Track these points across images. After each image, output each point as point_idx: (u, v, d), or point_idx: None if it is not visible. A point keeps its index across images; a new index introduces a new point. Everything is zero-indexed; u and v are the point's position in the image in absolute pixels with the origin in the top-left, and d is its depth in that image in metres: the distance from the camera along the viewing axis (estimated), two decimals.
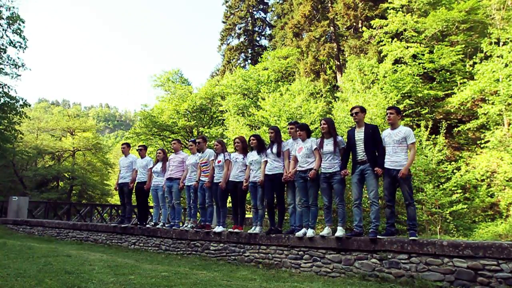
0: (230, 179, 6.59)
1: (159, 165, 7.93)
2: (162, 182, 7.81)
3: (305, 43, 23.40)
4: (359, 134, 5.27)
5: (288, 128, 6.25)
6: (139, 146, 8.61)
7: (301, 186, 5.68)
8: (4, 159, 23.13)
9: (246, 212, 6.88)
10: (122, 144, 8.76)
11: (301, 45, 23.77)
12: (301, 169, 5.68)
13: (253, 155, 6.39)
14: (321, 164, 5.56)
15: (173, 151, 8.03)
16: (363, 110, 5.41)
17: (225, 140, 21.39)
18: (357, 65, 17.27)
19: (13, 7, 19.37)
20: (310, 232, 5.51)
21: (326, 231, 5.50)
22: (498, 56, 13.59)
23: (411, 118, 15.91)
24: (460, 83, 15.48)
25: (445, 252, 4.24)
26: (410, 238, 4.62)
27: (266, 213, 6.58)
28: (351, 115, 5.45)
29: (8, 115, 20.06)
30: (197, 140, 7.40)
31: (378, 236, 4.85)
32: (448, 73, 16.28)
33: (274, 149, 6.05)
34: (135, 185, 8.27)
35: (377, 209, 5.24)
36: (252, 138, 6.44)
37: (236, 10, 34.18)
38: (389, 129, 5.21)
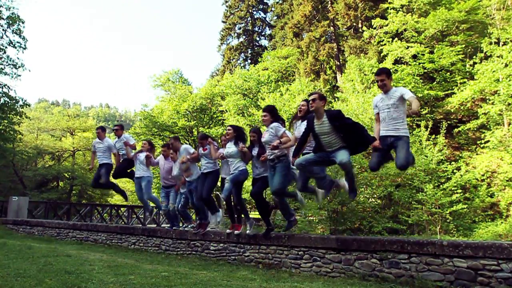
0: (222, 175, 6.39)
1: (143, 155, 7.65)
2: (147, 174, 7.67)
3: (305, 43, 23.40)
4: (322, 127, 4.60)
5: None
6: (115, 126, 8.36)
7: (270, 176, 5.38)
8: (4, 159, 23.14)
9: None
10: (97, 128, 8.51)
11: (301, 45, 23.78)
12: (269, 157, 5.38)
13: (229, 147, 5.92)
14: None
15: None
16: (322, 97, 4.67)
17: None
18: (357, 65, 17.27)
19: (13, 7, 19.40)
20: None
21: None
22: (498, 56, 13.59)
23: (411, 118, 15.90)
24: (460, 83, 15.48)
25: (445, 252, 4.24)
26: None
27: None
28: (306, 101, 4.89)
29: (8, 115, 20.07)
30: (169, 142, 7.09)
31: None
32: (448, 73, 16.28)
33: (255, 152, 5.70)
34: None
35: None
36: (228, 128, 6.02)
37: (236, 10, 34.19)
38: (381, 94, 4.67)
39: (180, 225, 7.72)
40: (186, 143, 26.10)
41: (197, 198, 6.43)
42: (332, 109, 4.76)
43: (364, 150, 5.34)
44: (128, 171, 8.23)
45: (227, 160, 6.08)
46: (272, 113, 5.50)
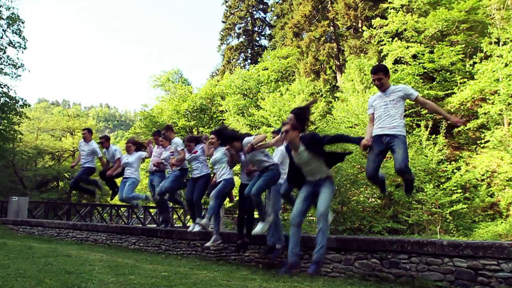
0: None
1: (133, 157, 7.60)
2: (133, 176, 7.63)
3: (305, 43, 23.41)
4: (301, 158, 4.25)
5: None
6: (100, 138, 8.21)
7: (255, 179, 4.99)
8: (4, 159, 23.15)
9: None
10: (84, 129, 8.41)
11: (301, 45, 23.79)
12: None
13: (216, 153, 5.60)
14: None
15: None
16: (295, 127, 4.21)
17: None
18: (357, 65, 17.28)
19: (13, 7, 19.40)
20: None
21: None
22: (498, 56, 13.58)
23: (411, 118, 15.91)
24: (460, 83, 15.48)
25: (445, 252, 4.24)
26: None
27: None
28: (281, 133, 4.35)
29: (8, 115, 20.07)
30: (162, 132, 6.98)
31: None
32: (448, 73, 16.28)
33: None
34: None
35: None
36: (211, 137, 5.61)
37: (236, 10, 34.18)
38: (378, 93, 4.26)
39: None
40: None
41: (186, 200, 6.29)
42: (305, 134, 4.39)
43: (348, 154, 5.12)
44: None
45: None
46: (220, 135, 5.42)
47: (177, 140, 6.53)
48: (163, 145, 7.03)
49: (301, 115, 4.37)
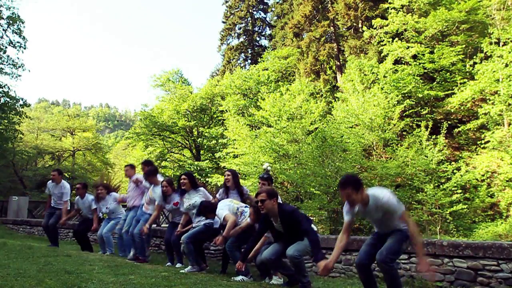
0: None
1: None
2: (119, 215, 7.09)
3: (305, 43, 23.41)
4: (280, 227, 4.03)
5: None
6: (76, 186, 7.57)
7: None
8: (4, 159, 23.15)
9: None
10: (53, 171, 7.65)
11: (301, 45, 23.78)
12: None
13: (189, 198, 5.38)
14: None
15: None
16: (271, 195, 3.94)
17: (225, 140, 21.46)
18: (357, 65, 17.28)
19: (13, 7, 19.41)
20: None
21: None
22: (498, 56, 13.58)
23: (411, 118, 15.92)
24: (460, 83, 15.48)
25: (445, 252, 4.25)
26: None
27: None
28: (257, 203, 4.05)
29: (8, 115, 20.08)
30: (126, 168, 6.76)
31: None
32: (448, 73, 16.27)
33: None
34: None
35: None
36: (183, 177, 5.45)
37: (236, 10, 34.18)
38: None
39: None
40: (186, 143, 26.20)
41: (165, 239, 5.99)
42: (286, 207, 4.06)
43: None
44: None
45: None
46: (191, 179, 5.41)
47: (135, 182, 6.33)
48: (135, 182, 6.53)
49: (273, 195, 4.03)
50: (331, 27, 23.65)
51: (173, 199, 5.69)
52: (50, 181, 7.51)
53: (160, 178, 6.16)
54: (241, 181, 6.41)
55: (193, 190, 5.39)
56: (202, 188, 5.48)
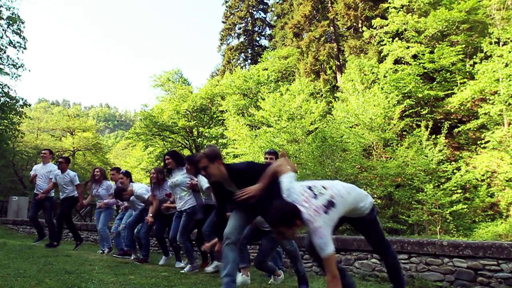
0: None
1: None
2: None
3: (305, 43, 23.40)
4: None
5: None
6: (60, 159, 7.35)
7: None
8: (4, 159, 23.17)
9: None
10: (44, 150, 7.70)
11: (301, 45, 23.77)
12: None
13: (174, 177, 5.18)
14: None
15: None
16: (212, 157, 3.13)
17: (224, 140, 21.46)
18: (357, 65, 17.28)
19: (13, 7, 19.42)
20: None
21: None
22: (498, 56, 13.57)
23: (411, 118, 15.92)
24: (460, 83, 15.47)
25: (445, 252, 4.24)
26: None
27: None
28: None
29: (8, 115, 20.09)
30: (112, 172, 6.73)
31: None
32: (448, 73, 16.27)
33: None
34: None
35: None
36: (166, 157, 5.27)
37: (236, 10, 34.18)
38: None
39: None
40: (186, 143, 26.18)
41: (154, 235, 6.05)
42: (236, 165, 3.44)
43: None
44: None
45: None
46: (174, 157, 5.24)
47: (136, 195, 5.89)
48: (122, 183, 6.21)
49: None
50: (331, 27, 23.65)
51: (165, 189, 5.59)
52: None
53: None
54: None
55: (179, 168, 5.18)
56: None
